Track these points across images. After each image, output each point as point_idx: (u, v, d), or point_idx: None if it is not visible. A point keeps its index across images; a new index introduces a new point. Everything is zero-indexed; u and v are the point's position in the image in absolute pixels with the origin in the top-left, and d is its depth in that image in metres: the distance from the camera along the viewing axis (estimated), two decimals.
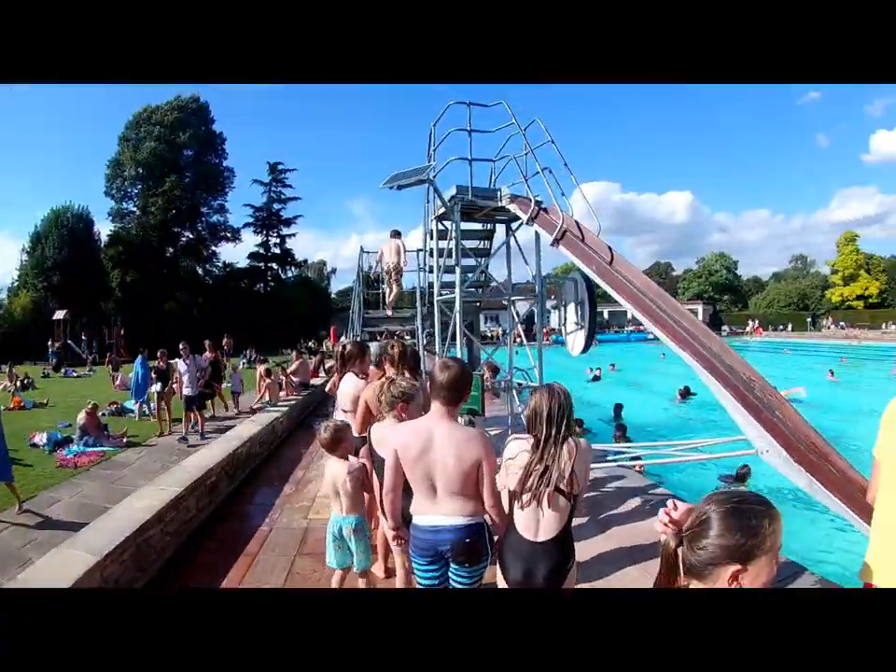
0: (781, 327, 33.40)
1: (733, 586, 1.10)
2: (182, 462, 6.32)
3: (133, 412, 11.83)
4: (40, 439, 8.99)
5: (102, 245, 39.74)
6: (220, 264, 46.72)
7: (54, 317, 30.23)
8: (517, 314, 8.67)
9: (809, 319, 49.40)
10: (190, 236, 43.87)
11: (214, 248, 45.90)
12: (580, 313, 7.15)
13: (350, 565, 3.65)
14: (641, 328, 28.93)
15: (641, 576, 3.78)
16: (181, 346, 9.45)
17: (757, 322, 35.36)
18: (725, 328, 47.54)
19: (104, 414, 10.98)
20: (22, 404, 13.02)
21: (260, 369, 12.63)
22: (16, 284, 38.30)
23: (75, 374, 21.86)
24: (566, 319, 7.50)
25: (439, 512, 2.60)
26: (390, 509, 2.81)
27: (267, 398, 11.74)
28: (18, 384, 16.30)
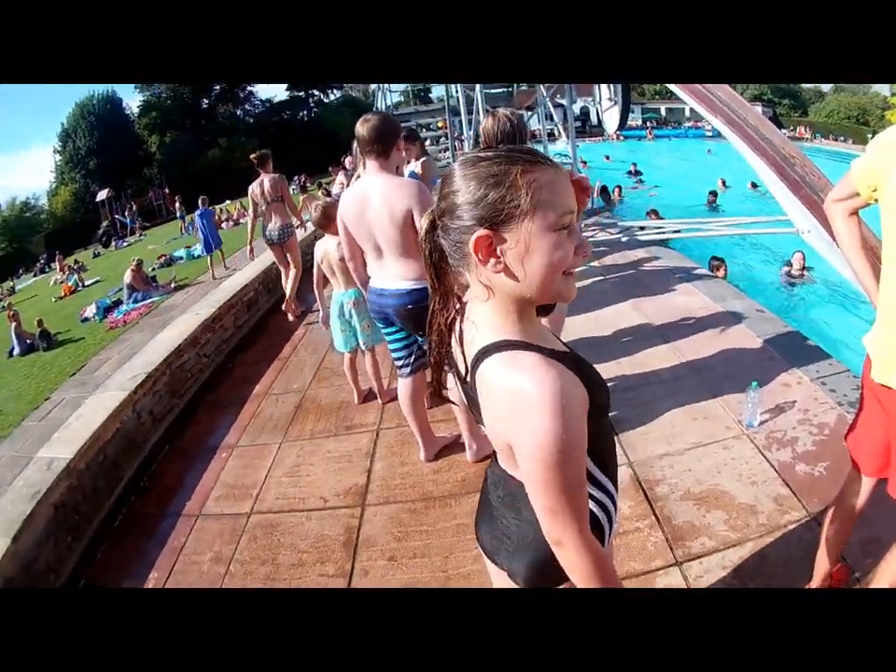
0: (842, 138, 31.15)
1: (486, 263, 0.85)
2: (221, 285, 6.35)
3: (182, 258, 11.77)
4: (90, 311, 8.88)
5: (135, 118, 37.65)
6: (259, 101, 42.85)
7: (97, 199, 29.65)
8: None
9: (870, 135, 44.25)
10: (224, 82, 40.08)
11: (250, 88, 41.69)
12: (612, 88, 6.80)
13: (357, 346, 3.69)
14: (700, 124, 27.02)
15: (670, 353, 3.75)
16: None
17: (806, 128, 32.62)
18: (784, 132, 43.68)
19: (153, 269, 11.05)
20: (74, 289, 12.94)
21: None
22: (54, 185, 36.72)
23: (126, 244, 21.42)
24: (600, 97, 6.97)
25: (386, 275, 2.56)
26: (356, 277, 2.83)
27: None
28: (68, 271, 15.96)
